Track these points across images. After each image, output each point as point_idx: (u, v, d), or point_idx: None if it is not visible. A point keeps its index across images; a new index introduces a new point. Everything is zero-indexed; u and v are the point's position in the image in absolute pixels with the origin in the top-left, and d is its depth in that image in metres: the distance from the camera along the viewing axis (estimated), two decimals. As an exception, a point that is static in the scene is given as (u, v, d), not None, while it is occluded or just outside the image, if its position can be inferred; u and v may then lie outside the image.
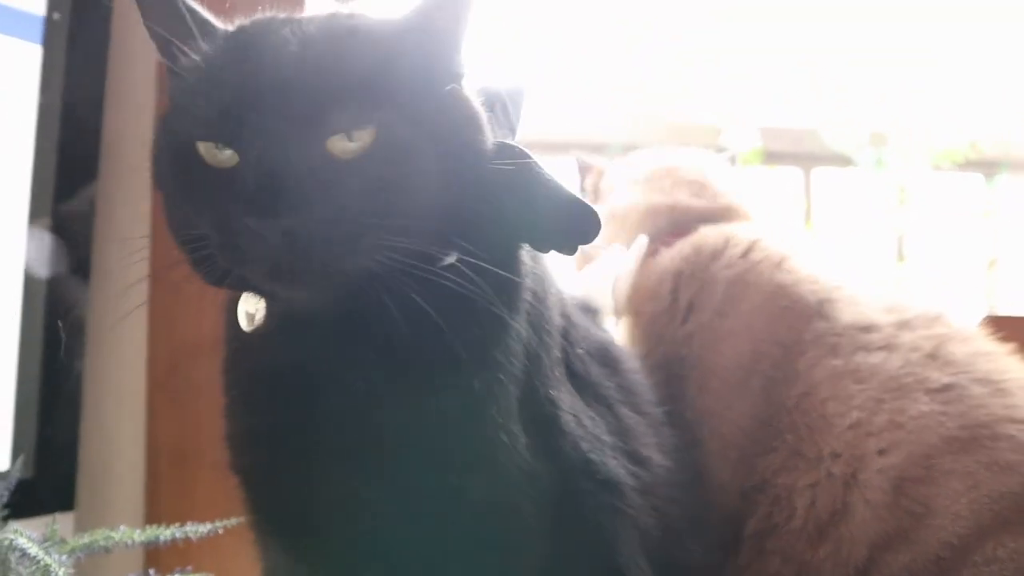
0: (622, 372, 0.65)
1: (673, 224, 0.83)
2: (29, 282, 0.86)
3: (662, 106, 1.51)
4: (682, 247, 0.80)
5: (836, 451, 0.66)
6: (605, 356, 0.65)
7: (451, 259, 0.48)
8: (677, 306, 0.78)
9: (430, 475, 0.50)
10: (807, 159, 1.55)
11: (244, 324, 0.51)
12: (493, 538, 0.52)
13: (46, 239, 0.89)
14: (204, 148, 0.46)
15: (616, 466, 0.57)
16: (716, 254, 0.78)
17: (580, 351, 0.61)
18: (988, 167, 1.58)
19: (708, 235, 0.80)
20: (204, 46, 0.48)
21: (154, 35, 0.50)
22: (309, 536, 0.52)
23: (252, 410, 0.53)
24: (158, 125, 0.52)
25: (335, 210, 0.45)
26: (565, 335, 0.60)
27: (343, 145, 0.46)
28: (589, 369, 0.61)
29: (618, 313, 0.79)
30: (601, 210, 0.74)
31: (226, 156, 0.46)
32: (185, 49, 0.48)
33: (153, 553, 0.84)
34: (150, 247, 0.97)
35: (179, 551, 0.75)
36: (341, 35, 0.48)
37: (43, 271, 0.88)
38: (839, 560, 0.63)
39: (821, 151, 1.54)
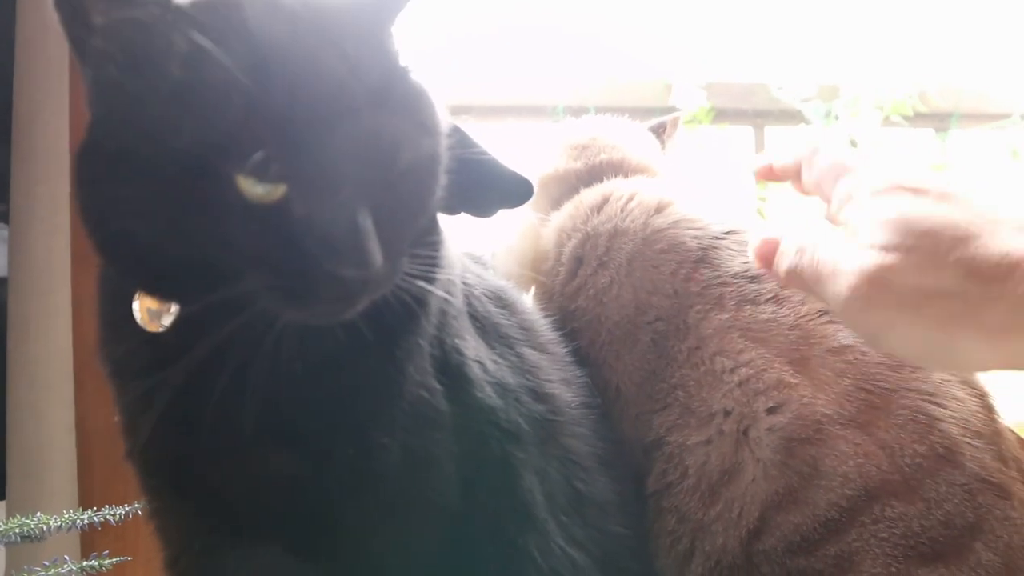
0: (519, 313, 0.66)
1: (571, 188, 0.82)
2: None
3: (610, 66, 1.49)
4: (567, 207, 0.80)
5: (727, 408, 0.64)
6: (501, 299, 0.66)
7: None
8: (563, 262, 0.77)
9: (359, 436, 0.51)
10: (758, 116, 1.53)
11: (146, 323, 0.48)
12: (414, 488, 0.53)
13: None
14: (245, 184, 0.40)
15: (517, 414, 0.58)
16: (596, 208, 0.77)
17: (479, 294, 0.62)
18: (939, 119, 1.56)
19: (588, 194, 0.79)
20: (197, 38, 0.40)
21: (68, 22, 0.44)
22: (220, 514, 0.52)
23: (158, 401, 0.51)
24: (99, 152, 0.45)
25: (391, 242, 0.44)
26: (463, 280, 0.61)
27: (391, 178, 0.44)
28: (488, 309, 0.63)
29: (514, 279, 0.79)
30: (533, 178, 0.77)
31: (274, 191, 0.41)
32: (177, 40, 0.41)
33: (89, 537, 0.87)
34: (71, 231, 0.98)
35: (117, 534, 0.77)
36: (368, 47, 0.44)
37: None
38: (731, 520, 0.62)
39: (771, 106, 1.51)
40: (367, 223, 0.41)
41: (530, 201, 0.84)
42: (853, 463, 0.59)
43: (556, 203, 0.83)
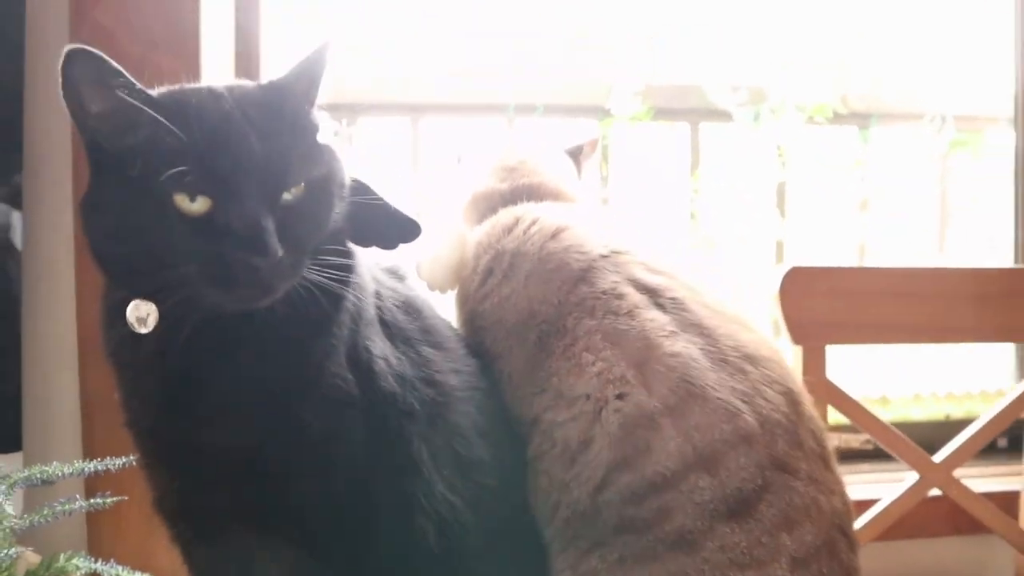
0: (423, 318, 0.83)
1: (492, 207, 0.99)
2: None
3: (556, 68, 1.62)
4: (486, 224, 0.95)
5: (587, 393, 0.80)
6: (409, 307, 0.82)
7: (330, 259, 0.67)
8: (477, 271, 0.92)
9: (287, 415, 0.68)
10: (693, 114, 1.67)
11: (136, 327, 0.66)
12: (331, 454, 0.70)
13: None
14: (179, 200, 0.61)
15: (412, 398, 0.75)
16: (507, 229, 0.92)
17: (389, 305, 0.79)
18: (861, 119, 1.70)
19: (504, 214, 0.95)
20: (155, 115, 0.60)
21: (76, 108, 0.63)
22: (189, 470, 0.71)
23: (144, 384, 0.70)
24: (95, 189, 0.65)
25: (293, 242, 0.63)
26: (377, 295, 0.78)
27: (287, 196, 0.64)
28: (396, 318, 0.79)
29: (435, 287, 0.96)
30: (463, 196, 0.97)
31: (199, 205, 0.61)
32: (138, 113, 0.60)
33: (92, 483, 0.96)
34: (75, 222, 1.13)
35: (115, 481, 0.86)
36: (268, 113, 0.65)
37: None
38: (583, 479, 0.79)
39: (706, 106, 1.65)
40: (269, 225, 0.61)
41: (461, 216, 1.01)
42: (674, 444, 0.76)
43: (482, 217, 0.99)
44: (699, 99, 1.65)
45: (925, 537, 1.34)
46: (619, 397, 0.80)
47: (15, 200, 1.11)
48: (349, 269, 0.71)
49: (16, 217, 1.12)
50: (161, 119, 0.60)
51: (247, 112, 0.63)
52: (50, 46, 1.10)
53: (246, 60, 1.26)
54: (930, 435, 1.25)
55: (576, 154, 1.10)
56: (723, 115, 1.65)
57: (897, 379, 1.59)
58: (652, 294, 0.85)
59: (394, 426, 0.73)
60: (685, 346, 0.80)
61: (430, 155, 1.57)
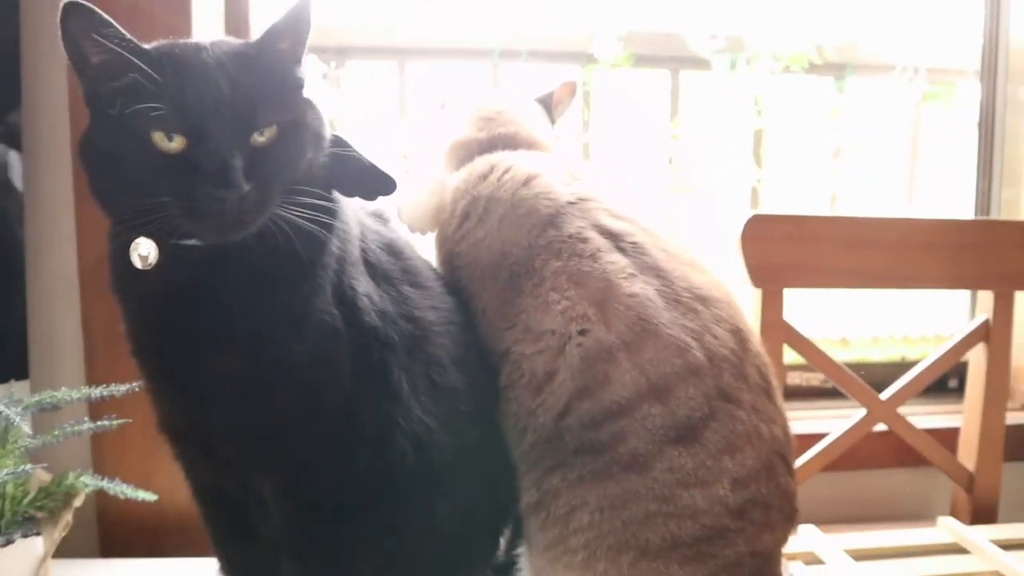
0: (405, 259, 0.89)
1: (470, 154, 1.05)
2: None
3: (541, 15, 1.66)
4: (463, 171, 1.01)
5: (552, 329, 0.87)
6: (392, 248, 0.88)
7: (310, 202, 0.73)
8: (455, 215, 0.98)
9: (280, 344, 0.74)
10: (674, 62, 1.71)
11: (139, 264, 0.73)
12: (318, 380, 0.77)
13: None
14: (157, 137, 0.67)
15: (393, 331, 0.82)
16: (483, 176, 0.98)
17: (373, 247, 0.85)
18: (837, 69, 1.75)
19: (480, 162, 1.00)
20: (142, 63, 0.67)
21: (76, 57, 0.69)
22: (191, 393, 0.78)
23: (148, 317, 0.77)
24: (92, 128, 0.71)
25: (262, 181, 0.69)
26: (362, 237, 0.84)
27: (258, 138, 0.69)
28: (380, 259, 0.85)
29: (415, 229, 1.02)
30: (444, 142, 1.02)
31: (175, 144, 0.67)
32: (125, 61, 0.67)
33: (95, 408, 1.04)
34: (73, 163, 1.18)
35: (117, 405, 0.95)
36: (243, 62, 0.70)
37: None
38: (548, 406, 0.86)
39: (686, 54, 1.70)
40: (236, 162, 0.67)
41: (442, 162, 1.07)
42: (629, 376, 0.83)
43: (460, 164, 1.03)
44: (679, 47, 1.69)
45: (873, 468, 1.44)
46: (581, 333, 0.87)
47: (12, 140, 1.16)
48: (332, 214, 0.76)
49: (13, 156, 1.17)
50: (143, 65, 0.66)
51: (222, 62, 0.69)
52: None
53: (235, 5, 1.30)
54: (887, 375, 1.33)
55: (547, 101, 1.15)
56: (703, 63, 1.70)
57: (858, 322, 1.67)
58: (614, 238, 0.91)
59: (376, 356, 0.80)
60: (642, 287, 0.87)
61: (416, 98, 1.62)
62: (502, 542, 1.01)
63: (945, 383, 1.56)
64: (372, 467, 0.79)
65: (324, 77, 1.60)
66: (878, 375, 1.35)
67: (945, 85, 1.78)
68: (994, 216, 1.62)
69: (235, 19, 1.30)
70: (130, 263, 0.73)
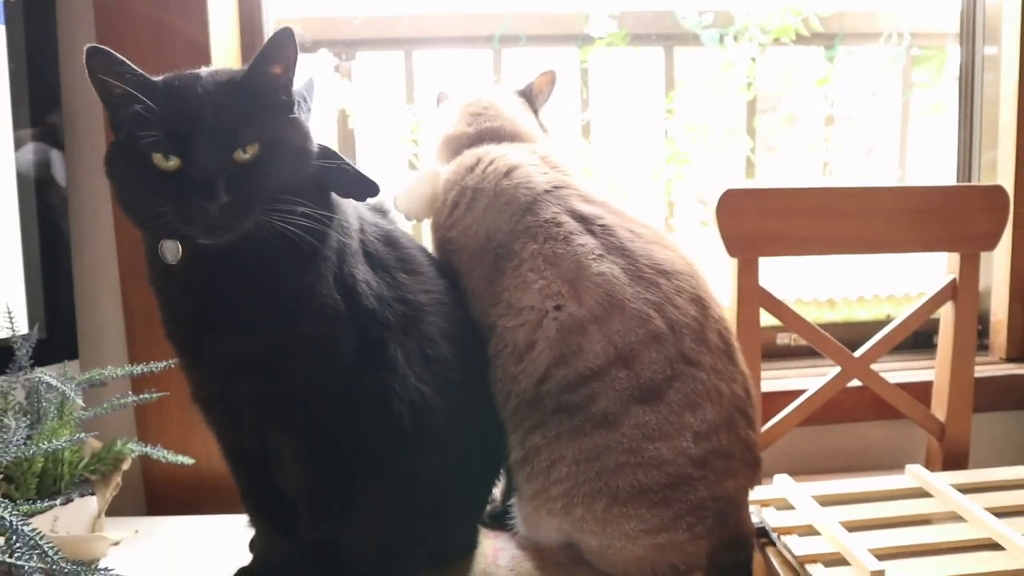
0: (400, 248, 1.00)
1: (460, 148, 1.15)
2: (23, 195, 1.18)
3: (538, 1, 1.73)
4: (453, 163, 1.11)
5: (531, 305, 0.98)
6: (388, 239, 0.99)
7: (302, 208, 0.83)
8: (446, 204, 1.08)
9: (290, 325, 0.87)
10: (667, 39, 1.77)
11: (169, 259, 0.85)
12: (324, 356, 0.88)
13: (31, 162, 1.19)
14: (157, 158, 0.79)
15: (388, 313, 0.93)
16: (470, 168, 1.08)
17: (371, 238, 0.96)
18: (826, 39, 1.79)
19: (467, 155, 1.10)
20: (145, 96, 0.79)
21: (101, 90, 0.81)
22: (217, 369, 0.91)
23: (178, 305, 0.90)
24: (112, 148, 0.83)
25: (243, 192, 0.80)
26: (361, 230, 0.95)
27: (242, 155, 0.80)
28: (378, 249, 0.96)
29: (411, 217, 1.13)
30: (437, 136, 1.13)
31: (172, 163, 0.79)
32: (132, 94, 0.79)
33: (138, 383, 1.16)
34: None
35: (157, 381, 1.06)
36: (230, 91, 0.81)
37: (32, 187, 1.19)
38: (528, 373, 0.97)
39: (678, 31, 1.76)
40: (219, 178, 0.79)
41: (435, 155, 1.17)
42: (599, 345, 0.94)
43: (452, 157, 1.14)
44: (672, 24, 1.75)
45: (853, 421, 1.53)
46: (556, 308, 0.98)
47: (54, 139, 1.27)
48: (328, 216, 0.87)
49: (55, 155, 1.28)
50: (144, 98, 0.79)
51: (211, 91, 0.81)
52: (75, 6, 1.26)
53: (249, 18, 1.40)
54: (872, 333, 1.39)
55: (528, 92, 1.24)
56: (695, 39, 1.76)
57: (844, 284, 1.75)
58: (585, 222, 1.02)
59: (374, 334, 0.91)
60: (609, 267, 0.97)
61: (422, 87, 1.71)
62: (496, 494, 1.13)
63: (930, 339, 1.63)
64: (373, 429, 0.91)
65: (336, 69, 1.70)
66: (866, 333, 1.41)
67: (936, 50, 1.82)
68: (975, 179, 1.68)
69: (250, 32, 1.40)
70: (160, 260, 0.85)
